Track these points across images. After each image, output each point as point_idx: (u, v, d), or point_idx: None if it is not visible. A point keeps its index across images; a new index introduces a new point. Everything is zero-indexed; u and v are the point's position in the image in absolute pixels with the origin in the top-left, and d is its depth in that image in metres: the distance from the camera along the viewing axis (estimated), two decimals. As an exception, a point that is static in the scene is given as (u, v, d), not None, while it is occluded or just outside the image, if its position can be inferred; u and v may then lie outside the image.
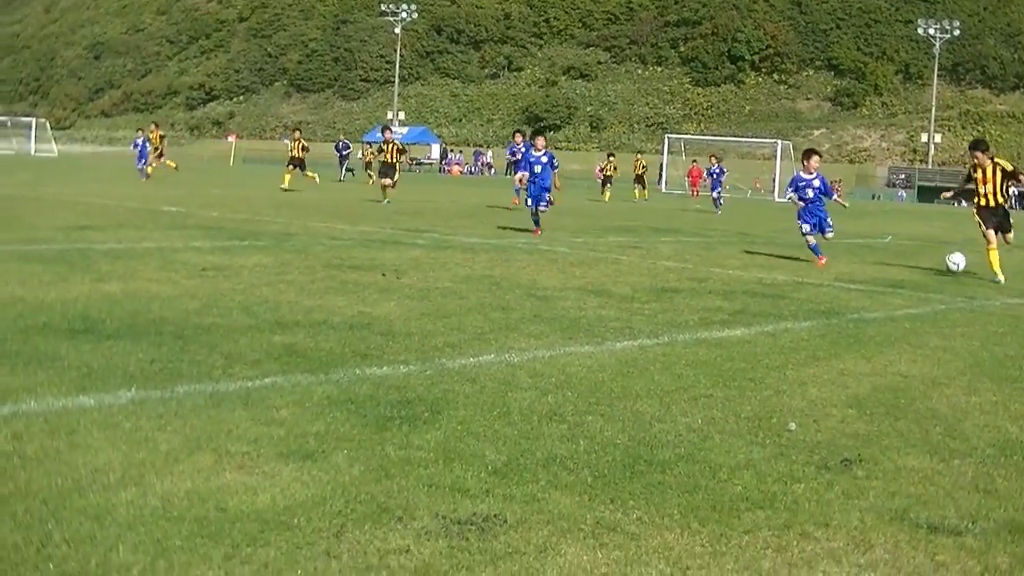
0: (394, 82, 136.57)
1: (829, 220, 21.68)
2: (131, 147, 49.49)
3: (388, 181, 37.40)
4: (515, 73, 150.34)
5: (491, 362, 9.23)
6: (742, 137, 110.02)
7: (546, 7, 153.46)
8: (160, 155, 48.13)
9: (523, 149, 36.86)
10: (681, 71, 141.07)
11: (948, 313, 14.37)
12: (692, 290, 15.12)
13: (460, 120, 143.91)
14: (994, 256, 19.36)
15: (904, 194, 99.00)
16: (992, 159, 19.81)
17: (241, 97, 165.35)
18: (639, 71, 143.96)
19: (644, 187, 56.25)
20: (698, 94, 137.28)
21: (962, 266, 19.89)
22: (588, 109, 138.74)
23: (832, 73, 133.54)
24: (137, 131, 53.26)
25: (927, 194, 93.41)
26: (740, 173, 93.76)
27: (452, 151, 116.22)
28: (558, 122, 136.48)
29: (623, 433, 7.09)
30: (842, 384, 9.09)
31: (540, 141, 27.03)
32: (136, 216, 24.55)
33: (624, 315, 12.32)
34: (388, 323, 10.91)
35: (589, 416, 7.50)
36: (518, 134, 44.55)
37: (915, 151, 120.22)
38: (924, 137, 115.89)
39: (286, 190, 41.60)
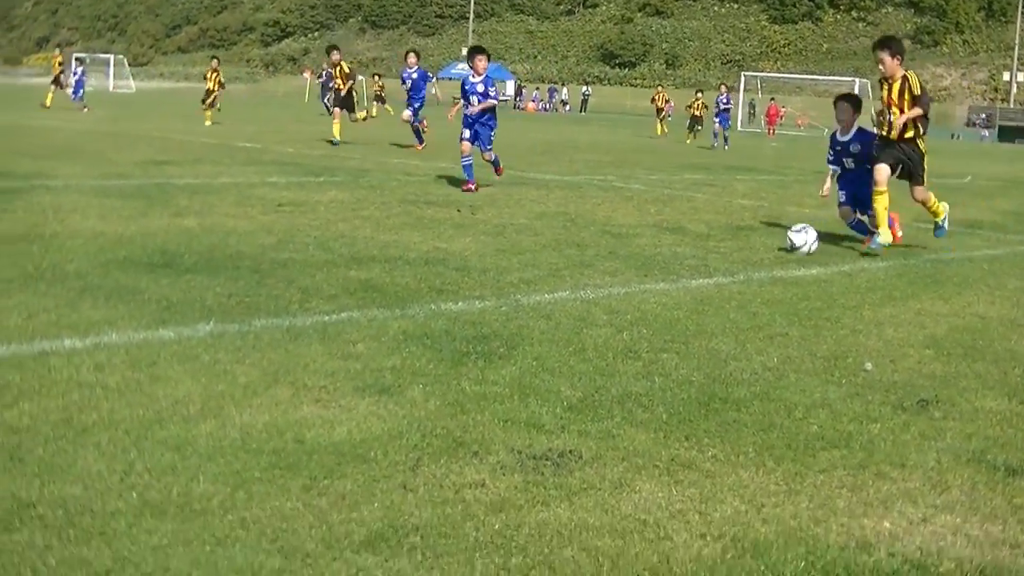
0: (468, 18, 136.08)
1: None
2: (73, 77, 50.08)
3: (351, 114, 31.26)
4: (590, 10, 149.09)
5: (566, 299, 9.25)
6: (819, 75, 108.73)
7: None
8: (58, 83, 49.18)
9: (417, 75, 29.96)
10: (758, 8, 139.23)
11: (1028, 254, 14.20)
12: (768, 228, 15.04)
13: (535, 57, 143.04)
14: (880, 203, 13.27)
15: (987, 133, 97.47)
16: (906, 71, 13.37)
17: (316, 33, 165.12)
18: (715, 8, 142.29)
19: (661, 121, 54.04)
20: (775, 31, 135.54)
21: (802, 243, 12.86)
22: (664, 46, 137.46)
23: (912, 10, 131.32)
24: (76, 62, 54.62)
25: (1008, 134, 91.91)
26: (818, 112, 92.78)
27: (526, 88, 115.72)
28: (633, 59, 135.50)
29: (698, 371, 7.09)
30: (919, 325, 9.02)
31: (481, 62, 19.31)
32: (213, 151, 24.72)
33: (699, 253, 12.28)
34: (463, 259, 10.95)
35: (664, 353, 7.50)
36: (411, 54, 31.06)
37: (996, 90, 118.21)
38: (1006, 76, 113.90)
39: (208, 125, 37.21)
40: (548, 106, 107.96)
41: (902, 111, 13.17)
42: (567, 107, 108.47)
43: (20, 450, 4.98)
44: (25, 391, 5.84)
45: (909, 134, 13.31)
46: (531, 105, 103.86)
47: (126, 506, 4.43)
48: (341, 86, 30.82)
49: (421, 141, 29.57)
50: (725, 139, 43.71)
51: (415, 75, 29.86)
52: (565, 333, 7.92)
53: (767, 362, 7.43)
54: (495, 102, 19.33)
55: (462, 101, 19.53)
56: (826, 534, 4.52)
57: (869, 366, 7.40)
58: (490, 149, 19.18)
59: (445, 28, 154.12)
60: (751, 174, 27.88)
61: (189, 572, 3.90)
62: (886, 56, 13.31)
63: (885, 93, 13.38)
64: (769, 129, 71.87)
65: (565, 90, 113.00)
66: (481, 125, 19.02)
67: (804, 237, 12.86)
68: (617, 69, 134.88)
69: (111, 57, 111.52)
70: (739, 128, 76.13)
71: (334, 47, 33.27)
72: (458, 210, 15.05)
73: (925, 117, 13.36)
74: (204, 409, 5.71)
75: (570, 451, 5.36)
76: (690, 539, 4.42)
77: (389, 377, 6.52)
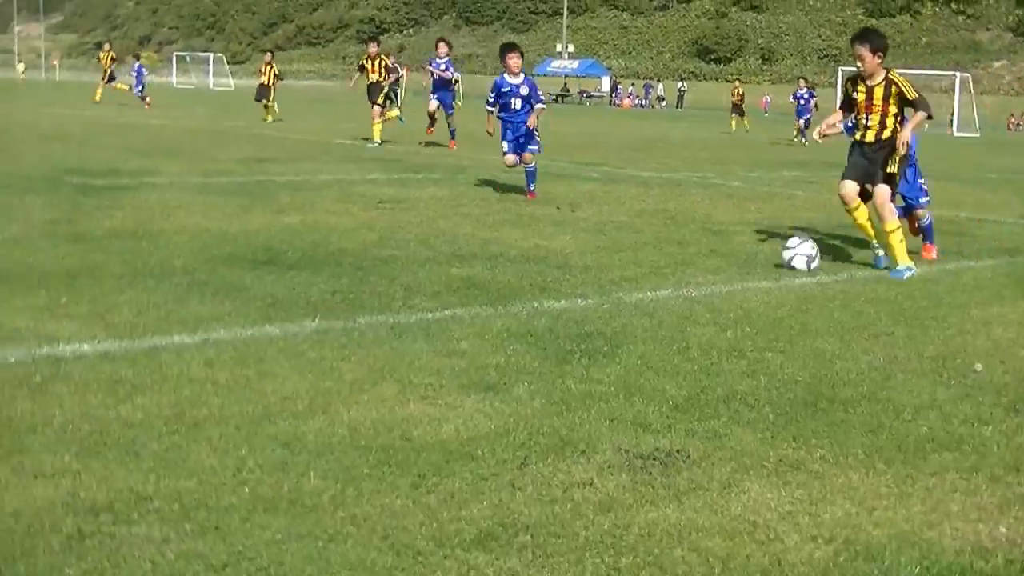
0: (563, 14, 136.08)
1: (922, 183, 12.95)
2: (132, 74, 50.97)
3: (376, 112, 27.85)
4: (684, 4, 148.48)
5: (669, 296, 9.23)
6: (918, 69, 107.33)
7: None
8: (110, 79, 50.17)
9: (445, 67, 27.43)
10: (854, 1, 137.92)
11: None
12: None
13: (629, 52, 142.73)
14: (860, 217, 11.44)
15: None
16: (888, 70, 11.42)
17: (411, 30, 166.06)
18: (811, 1, 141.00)
19: (743, 116, 53.12)
20: (872, 25, 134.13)
21: (801, 258, 11.03)
22: (759, 41, 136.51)
23: (1014, 1, 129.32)
24: (134, 58, 56.64)
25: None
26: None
27: (621, 84, 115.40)
28: (728, 54, 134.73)
29: (804, 370, 7.04)
30: (1029, 324, 8.87)
31: (514, 60, 16.86)
32: (312, 148, 24.96)
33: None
34: (564, 256, 10.96)
35: (769, 352, 7.46)
36: (442, 43, 28.55)
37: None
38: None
39: (269, 121, 36.99)
40: (644, 102, 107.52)
41: (884, 116, 11.29)
42: (663, 103, 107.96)
43: (135, 444, 5.07)
44: (138, 386, 5.95)
45: (887, 134, 11.30)
46: (627, 101, 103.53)
47: (239, 501, 4.49)
48: (379, 78, 28.24)
49: (452, 137, 27.58)
50: (803, 133, 42.48)
51: (443, 66, 27.51)
52: (669, 331, 7.91)
53: (873, 362, 7.36)
54: (543, 107, 17.05)
55: (496, 109, 16.87)
56: (940, 538, 4.47)
57: (979, 367, 7.30)
58: (536, 149, 16.83)
59: (539, 24, 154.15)
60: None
61: (302, 568, 3.94)
62: (865, 51, 11.30)
63: (861, 96, 11.41)
64: (867, 124, 70.94)
65: (661, 86, 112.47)
66: (525, 131, 16.67)
67: (794, 252, 11.08)
68: (712, 64, 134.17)
69: (211, 55, 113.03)
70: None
71: (373, 38, 31.06)
72: (557, 207, 15.07)
73: (929, 117, 11.58)
74: (312, 405, 5.78)
75: (677, 451, 5.35)
76: (801, 541, 4.39)
77: (494, 375, 6.54)
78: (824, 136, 12.14)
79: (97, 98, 48.30)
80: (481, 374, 6.55)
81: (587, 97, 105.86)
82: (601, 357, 7.08)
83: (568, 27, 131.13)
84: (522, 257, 10.84)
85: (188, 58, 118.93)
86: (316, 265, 9.86)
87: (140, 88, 48.64)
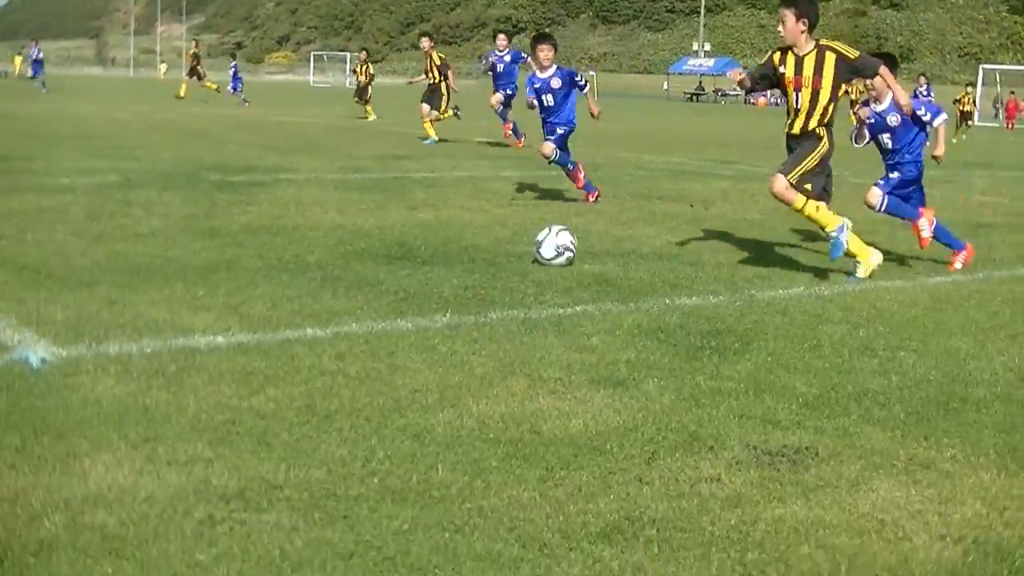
0: (700, 12, 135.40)
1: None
2: (230, 72, 51.17)
3: (427, 110, 27.11)
4: (823, 3, 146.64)
5: (801, 294, 9.16)
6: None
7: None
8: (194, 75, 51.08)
9: (509, 58, 25.11)
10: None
11: None
12: (1009, 225, 14.62)
13: (766, 51, 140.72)
14: (811, 210, 10.02)
15: None
16: (818, 41, 10.12)
17: (547, 29, 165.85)
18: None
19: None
20: (1016, 22, 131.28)
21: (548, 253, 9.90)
22: (898, 39, 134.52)
23: None
24: (230, 57, 59.02)
25: None
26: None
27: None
28: (867, 52, 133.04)
29: (936, 369, 6.94)
30: None
31: (544, 52, 14.92)
32: (447, 147, 25.12)
33: (937, 249, 11.97)
34: (697, 254, 10.92)
35: (901, 351, 7.36)
36: (501, 36, 26.95)
37: None
38: None
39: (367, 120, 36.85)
40: (780, 101, 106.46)
41: (816, 94, 9.77)
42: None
43: (267, 435, 5.15)
44: (271, 378, 6.04)
45: (813, 124, 9.94)
46: (762, 100, 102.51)
47: (368, 491, 4.55)
48: (435, 79, 27.16)
49: (519, 135, 25.59)
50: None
51: (508, 58, 25.15)
52: (800, 329, 7.84)
53: (1008, 363, 7.21)
54: (587, 89, 15.33)
55: (532, 99, 15.09)
56: (1075, 540, 4.38)
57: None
58: (552, 140, 15.15)
59: (676, 23, 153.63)
60: (989, 170, 27.07)
61: (429, 558, 3.97)
62: (789, 14, 9.98)
63: (789, 69, 9.94)
64: (1008, 123, 69.75)
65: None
66: (562, 128, 15.19)
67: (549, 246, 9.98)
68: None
69: (347, 55, 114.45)
70: (978, 122, 74.13)
71: (425, 34, 29.78)
72: (691, 205, 15.02)
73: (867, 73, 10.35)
74: (442, 399, 5.82)
75: (806, 448, 5.31)
76: (929, 540, 4.33)
77: (624, 370, 6.54)
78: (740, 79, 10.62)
79: (181, 93, 49.26)
80: (611, 370, 6.56)
81: (722, 96, 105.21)
82: (731, 354, 7.05)
83: (705, 26, 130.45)
84: (654, 254, 10.82)
85: (325, 57, 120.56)
86: (449, 261, 9.94)
87: (236, 88, 49.28)
